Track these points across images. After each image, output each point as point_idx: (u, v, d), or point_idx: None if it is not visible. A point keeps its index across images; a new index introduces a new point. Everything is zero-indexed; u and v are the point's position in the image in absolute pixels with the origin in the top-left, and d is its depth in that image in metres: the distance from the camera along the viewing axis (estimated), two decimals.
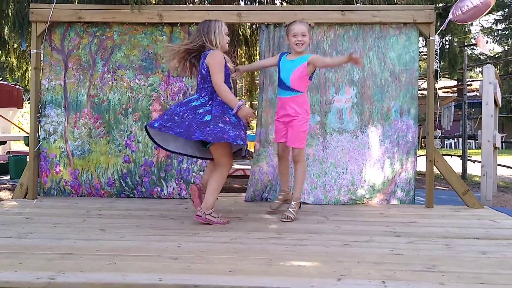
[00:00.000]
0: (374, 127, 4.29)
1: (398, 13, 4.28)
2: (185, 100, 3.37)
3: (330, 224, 3.38)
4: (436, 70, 4.24)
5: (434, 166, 4.14)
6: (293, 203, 3.51)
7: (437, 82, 6.08)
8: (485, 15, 4.16)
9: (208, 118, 3.13)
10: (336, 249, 2.64)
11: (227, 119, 3.15)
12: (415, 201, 4.29)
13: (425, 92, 4.52)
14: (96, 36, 4.40)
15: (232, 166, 5.94)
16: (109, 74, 4.39)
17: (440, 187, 6.34)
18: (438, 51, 4.31)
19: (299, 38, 3.50)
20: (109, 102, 4.39)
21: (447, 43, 7.32)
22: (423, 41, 5.38)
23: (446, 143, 18.68)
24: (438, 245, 2.75)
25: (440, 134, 11.81)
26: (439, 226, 3.32)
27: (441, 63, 6.97)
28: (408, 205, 4.22)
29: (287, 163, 3.76)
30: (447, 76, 13.35)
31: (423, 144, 12.97)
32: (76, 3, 5.66)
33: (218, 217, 3.27)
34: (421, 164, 4.80)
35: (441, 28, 4.19)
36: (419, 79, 6.87)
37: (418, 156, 4.47)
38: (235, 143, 3.08)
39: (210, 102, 3.24)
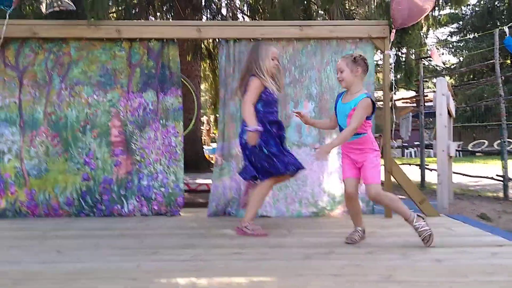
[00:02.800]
0: (332, 139, 4.35)
1: (354, 28, 4.41)
2: None
3: (293, 237, 3.40)
4: (391, 82, 4.37)
5: (391, 176, 4.25)
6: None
7: (394, 93, 6.27)
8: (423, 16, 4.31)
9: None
10: (297, 263, 2.66)
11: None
12: (374, 211, 4.37)
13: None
14: (52, 52, 4.31)
15: (195, 181, 5.93)
16: (66, 90, 4.30)
17: (399, 196, 6.48)
18: (393, 64, 4.45)
19: (338, 75, 3.21)
20: (66, 119, 4.30)
21: (403, 56, 7.56)
22: (380, 53, 5.55)
23: (406, 152, 19.17)
24: (396, 255, 2.82)
25: (397, 144, 12.12)
26: (397, 235, 3.40)
27: (398, 75, 7.19)
28: (367, 215, 4.27)
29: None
30: (404, 87, 13.75)
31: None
32: (31, 18, 5.55)
33: (253, 230, 3.41)
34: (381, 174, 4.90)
35: (390, 40, 4.31)
36: (377, 91, 7.10)
37: None
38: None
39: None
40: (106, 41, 4.33)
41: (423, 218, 3.08)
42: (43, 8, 4.28)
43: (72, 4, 4.19)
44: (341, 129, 3.20)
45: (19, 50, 4.29)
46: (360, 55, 3.18)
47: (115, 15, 7.86)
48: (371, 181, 3.07)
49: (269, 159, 3.36)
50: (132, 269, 2.53)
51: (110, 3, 6.81)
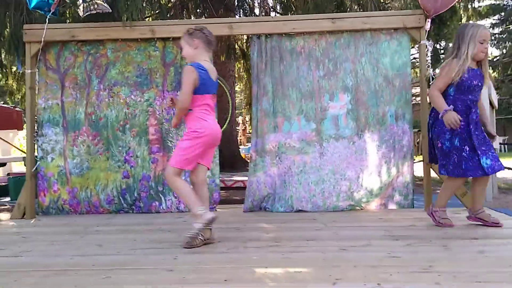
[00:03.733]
0: (371, 132, 4.29)
1: (388, 19, 4.31)
2: None
3: (328, 230, 3.36)
4: (429, 76, 4.24)
5: (431, 169, 4.13)
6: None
7: None
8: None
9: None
10: (333, 255, 2.62)
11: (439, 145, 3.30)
12: (414, 205, 4.27)
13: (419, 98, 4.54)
14: (90, 54, 4.44)
15: (231, 178, 5.97)
16: (105, 91, 4.42)
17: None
18: (431, 56, 4.32)
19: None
20: (106, 119, 4.42)
21: (441, 49, 7.35)
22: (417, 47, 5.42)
23: None
24: (436, 247, 2.73)
25: None
26: (437, 228, 3.31)
27: (437, 69, 7.00)
28: (406, 209, 4.20)
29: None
30: None
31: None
32: (69, 22, 5.74)
33: (441, 218, 3.38)
34: (421, 170, 4.78)
35: (426, 30, 4.19)
36: (416, 86, 6.93)
37: (417, 162, 4.45)
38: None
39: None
40: (141, 42, 4.42)
41: (207, 224, 2.89)
42: (80, 11, 4.42)
43: (108, 7, 4.31)
44: None
45: (59, 53, 4.45)
46: (196, 27, 3.07)
47: (150, 19, 8.01)
48: (170, 163, 2.99)
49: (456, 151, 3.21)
50: (169, 261, 2.57)
51: (144, 5, 6.97)
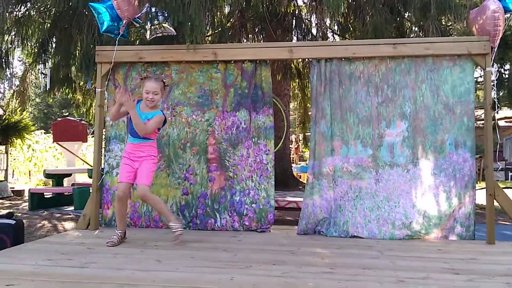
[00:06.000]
0: (427, 160, 4.20)
1: (452, 45, 4.23)
2: None
3: (385, 259, 3.31)
4: (494, 101, 4.12)
5: (494, 200, 3.98)
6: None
7: (497, 112, 5.89)
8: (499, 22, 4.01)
9: None
10: (390, 286, 2.58)
11: None
12: (475, 236, 4.11)
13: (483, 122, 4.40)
14: (156, 75, 4.65)
15: (285, 199, 6.00)
16: (168, 110, 4.61)
17: (503, 222, 6.03)
18: (496, 81, 4.20)
19: (150, 96, 3.76)
20: (168, 137, 4.60)
21: (506, 72, 7.09)
22: (480, 70, 5.26)
23: (511, 175, 17.69)
24: (499, 284, 2.63)
25: (501, 166, 11.27)
26: (501, 263, 3.17)
27: (501, 93, 6.75)
28: (467, 241, 4.05)
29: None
30: (507, 105, 12.82)
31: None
32: (137, 44, 6.06)
33: None
34: (482, 197, 4.61)
35: (492, 58, 4.09)
36: (478, 109, 6.70)
37: (478, 189, 4.30)
38: None
39: None
40: (204, 64, 4.59)
41: (181, 224, 3.80)
42: (147, 34, 4.67)
43: (173, 30, 4.53)
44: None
45: (127, 73, 4.70)
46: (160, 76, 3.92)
47: (209, 38, 8.29)
48: (143, 182, 3.68)
49: None
50: (225, 282, 2.63)
51: (208, 28, 7.23)
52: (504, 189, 4.15)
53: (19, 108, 8.79)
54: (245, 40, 9.24)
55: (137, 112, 3.71)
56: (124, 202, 3.79)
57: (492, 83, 4.08)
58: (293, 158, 16.12)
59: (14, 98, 8.38)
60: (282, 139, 8.45)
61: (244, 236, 4.20)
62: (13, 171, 15.30)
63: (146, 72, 4.48)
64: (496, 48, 4.11)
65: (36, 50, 6.97)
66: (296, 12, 9.18)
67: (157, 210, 4.12)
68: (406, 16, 7.00)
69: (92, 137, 7.98)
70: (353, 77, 4.37)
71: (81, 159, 11.85)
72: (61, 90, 7.62)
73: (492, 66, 4.17)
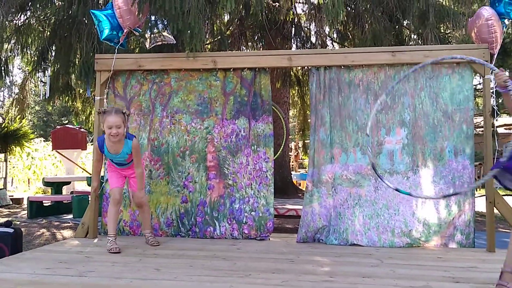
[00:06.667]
0: (427, 167, 4.20)
1: (450, 52, 4.24)
2: None
3: (385, 267, 3.30)
4: (493, 108, 4.13)
5: (494, 207, 3.97)
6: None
7: (496, 119, 5.90)
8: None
9: None
10: None
11: None
12: (475, 244, 4.10)
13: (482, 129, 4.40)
14: (155, 83, 4.66)
15: (284, 206, 5.98)
16: (167, 118, 4.61)
17: (503, 230, 6.01)
18: (495, 88, 4.20)
19: (113, 131, 3.71)
20: (168, 145, 4.60)
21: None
22: (480, 78, 5.27)
23: None
24: None
25: None
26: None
27: (500, 100, 6.75)
28: (467, 249, 4.03)
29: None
30: (506, 112, 12.84)
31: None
32: (136, 52, 6.08)
33: None
34: (482, 205, 4.60)
35: (491, 65, 4.10)
36: (477, 116, 6.70)
37: (478, 196, 4.30)
38: None
39: None
40: (203, 72, 4.60)
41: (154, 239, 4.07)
42: (147, 43, 4.69)
43: (173, 38, 4.55)
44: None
45: (126, 81, 4.70)
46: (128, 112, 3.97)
47: (209, 46, 8.31)
48: (141, 188, 4.00)
49: None
50: None
51: (207, 36, 7.25)
52: (504, 197, 4.15)
53: (19, 116, 8.81)
54: (244, 48, 9.27)
55: (108, 155, 3.90)
56: (119, 206, 4.03)
57: (491, 90, 4.09)
58: (292, 165, 16.11)
59: (13, 106, 8.39)
60: (282, 147, 8.43)
61: (243, 244, 4.18)
62: (12, 179, 15.27)
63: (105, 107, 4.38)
64: (495, 55, 4.12)
65: (35, 58, 6.99)
66: (295, 20, 9.20)
67: (143, 217, 4.22)
68: (405, 24, 7.02)
69: (91, 145, 7.98)
70: (352, 84, 4.38)
71: (80, 167, 11.85)
72: (60, 98, 7.63)
73: (491, 73, 4.18)
